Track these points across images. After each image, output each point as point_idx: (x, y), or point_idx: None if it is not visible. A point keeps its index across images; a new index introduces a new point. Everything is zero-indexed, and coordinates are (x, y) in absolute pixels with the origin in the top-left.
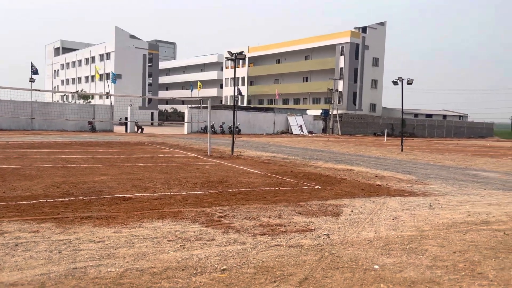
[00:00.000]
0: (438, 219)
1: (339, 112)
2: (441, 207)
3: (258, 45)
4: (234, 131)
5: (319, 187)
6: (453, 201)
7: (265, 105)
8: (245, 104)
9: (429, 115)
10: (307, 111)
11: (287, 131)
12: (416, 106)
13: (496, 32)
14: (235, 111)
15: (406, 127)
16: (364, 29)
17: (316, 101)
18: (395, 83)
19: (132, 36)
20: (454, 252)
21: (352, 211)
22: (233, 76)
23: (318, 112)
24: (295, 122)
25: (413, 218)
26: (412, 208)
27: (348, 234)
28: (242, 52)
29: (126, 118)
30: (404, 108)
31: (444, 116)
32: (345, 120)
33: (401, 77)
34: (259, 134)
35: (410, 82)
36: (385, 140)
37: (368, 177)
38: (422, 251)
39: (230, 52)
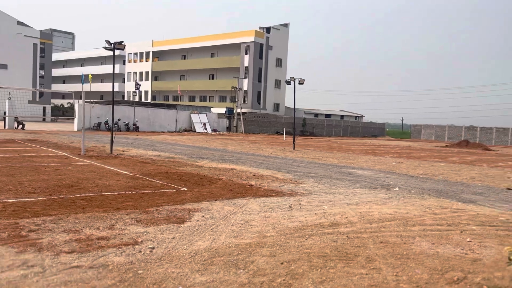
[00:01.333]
0: (289, 222)
1: (244, 110)
2: (300, 208)
3: (163, 39)
4: (113, 127)
5: (186, 189)
6: (315, 201)
7: (171, 102)
8: (149, 100)
9: (328, 115)
10: (212, 109)
11: (190, 129)
12: (317, 106)
13: (390, 36)
14: (113, 106)
15: (306, 127)
16: (268, 30)
17: (222, 99)
18: (287, 82)
19: (20, 23)
20: (282, 263)
21: (203, 216)
22: (136, 71)
23: (223, 110)
24: (198, 120)
25: (264, 221)
26: (271, 210)
27: (178, 246)
28: (122, 42)
29: (5, 113)
30: (305, 108)
31: (342, 116)
32: (249, 118)
33: (293, 77)
34: (159, 132)
35: (301, 82)
36: (284, 138)
37: (245, 177)
38: (247, 264)
39: (108, 42)
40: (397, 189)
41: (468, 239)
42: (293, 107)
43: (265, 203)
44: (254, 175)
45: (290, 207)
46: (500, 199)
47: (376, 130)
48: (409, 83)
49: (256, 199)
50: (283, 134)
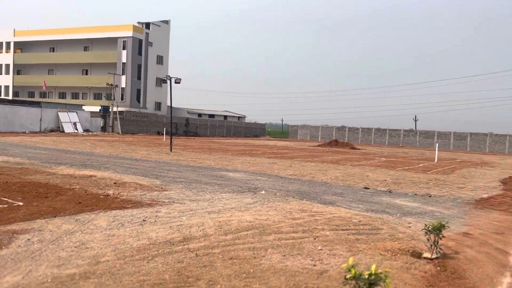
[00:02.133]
0: (135, 241)
1: (121, 109)
2: (155, 221)
3: (27, 29)
4: None
5: (21, 203)
6: (175, 211)
7: (36, 99)
8: (10, 97)
9: (212, 115)
10: (84, 107)
11: (58, 129)
12: (201, 106)
13: (272, 37)
14: None
15: (189, 127)
16: (147, 25)
17: (98, 96)
18: (163, 81)
19: None
20: None
21: (29, 239)
22: None
23: (98, 108)
24: (67, 119)
25: (106, 242)
26: (120, 225)
27: None
28: None
29: None
30: (188, 108)
31: (225, 117)
32: (127, 118)
33: (169, 75)
34: (20, 132)
35: (178, 81)
36: (164, 139)
37: (104, 185)
38: None
39: None
40: (263, 192)
41: (319, 247)
42: (176, 106)
43: (116, 217)
44: (115, 183)
45: (143, 220)
46: (357, 199)
47: (257, 130)
48: (290, 85)
49: (107, 212)
50: (163, 134)
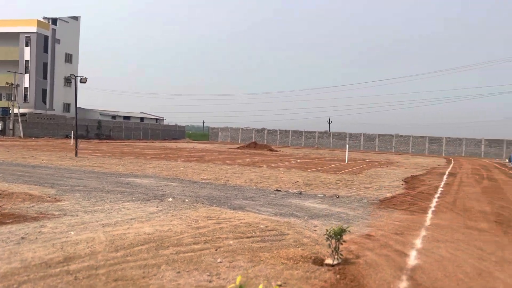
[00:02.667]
0: (4, 264)
1: (24, 111)
2: (37, 238)
3: None
4: None
5: None
6: (64, 225)
7: None
8: None
9: (127, 117)
10: None
11: None
12: (115, 108)
13: (191, 38)
14: None
15: (102, 129)
16: (54, 21)
17: (6, 97)
18: (67, 79)
19: None
20: None
21: None
22: None
23: None
24: None
25: None
26: None
27: None
28: None
29: None
30: (101, 109)
31: (142, 119)
32: (30, 120)
33: (73, 74)
34: None
35: (83, 81)
36: (71, 143)
37: None
38: None
39: None
40: (171, 199)
41: (219, 260)
42: (88, 108)
43: None
44: (0, 194)
45: (22, 238)
46: (267, 203)
47: (176, 133)
48: (213, 86)
49: None
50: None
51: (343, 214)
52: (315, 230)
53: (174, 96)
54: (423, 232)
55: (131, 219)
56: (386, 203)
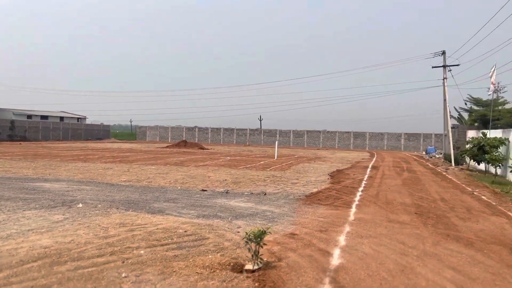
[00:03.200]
0: None
1: None
2: None
3: None
4: None
5: None
6: None
7: None
8: None
9: (45, 117)
10: None
11: None
12: (31, 106)
13: (112, 34)
14: None
15: (15, 130)
16: None
17: None
18: None
19: None
20: None
21: None
22: None
23: None
24: None
25: None
26: None
27: None
28: None
29: None
30: (15, 109)
31: (62, 118)
32: None
33: None
34: None
35: None
36: None
37: None
38: None
39: None
40: (81, 205)
41: (124, 274)
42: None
43: None
44: None
45: None
46: (190, 204)
47: (101, 133)
48: (142, 84)
49: None
50: None
51: (268, 212)
52: (238, 232)
53: (98, 93)
54: (347, 228)
55: (28, 230)
56: (311, 198)
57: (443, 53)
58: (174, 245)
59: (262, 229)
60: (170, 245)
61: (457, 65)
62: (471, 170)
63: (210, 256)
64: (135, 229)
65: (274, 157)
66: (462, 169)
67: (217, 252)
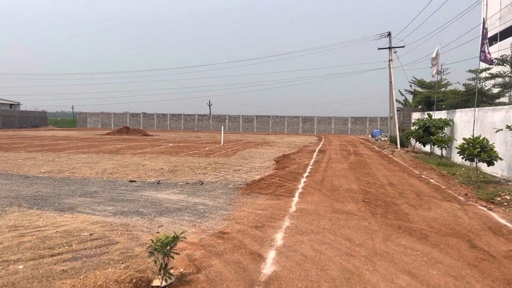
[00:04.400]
0: None
1: None
2: None
3: None
4: None
5: None
6: None
7: None
8: None
9: None
10: None
11: None
12: None
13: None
14: None
15: None
16: None
17: None
18: None
19: None
20: None
21: None
22: None
23: None
24: None
25: None
26: None
27: None
28: None
29: None
30: None
31: None
32: None
33: None
34: None
35: None
36: None
37: None
38: None
39: None
40: None
41: None
42: None
43: None
44: None
45: None
46: (110, 199)
47: (37, 120)
48: (83, 68)
49: None
50: None
51: (200, 205)
52: (158, 233)
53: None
54: (287, 222)
55: None
56: (252, 187)
57: (389, 34)
58: (69, 254)
59: (169, 236)
60: (63, 255)
61: (402, 46)
62: (416, 152)
63: (109, 270)
64: (27, 233)
65: (221, 143)
66: (407, 151)
67: (122, 263)
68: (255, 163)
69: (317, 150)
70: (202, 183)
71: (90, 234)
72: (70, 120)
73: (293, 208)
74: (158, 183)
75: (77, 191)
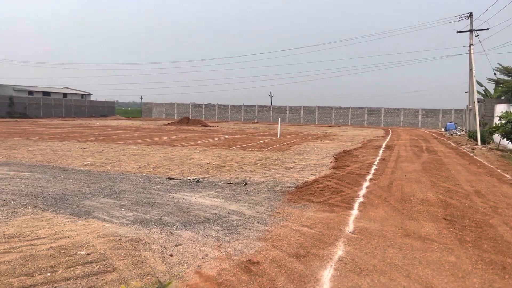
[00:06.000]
0: None
1: None
2: None
3: None
4: None
5: None
6: None
7: None
8: None
9: (47, 93)
10: None
11: None
12: (33, 82)
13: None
14: None
15: (15, 107)
16: None
17: None
18: None
19: None
20: None
21: None
22: None
23: None
24: None
25: None
26: None
27: None
28: None
29: None
30: (16, 85)
31: (65, 95)
32: None
33: None
34: None
35: None
36: None
37: None
38: None
39: None
40: None
41: None
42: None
43: None
44: None
45: None
46: (136, 201)
47: (105, 109)
48: (151, 58)
49: None
50: None
51: (235, 215)
52: (171, 256)
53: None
54: (340, 250)
55: None
56: (302, 191)
57: (470, 15)
58: (49, 286)
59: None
60: (48, 284)
61: (486, 29)
62: (502, 150)
63: None
64: (14, 249)
65: (277, 136)
66: (491, 149)
67: None
68: (310, 159)
69: (383, 146)
70: (246, 183)
71: (87, 254)
72: (138, 110)
73: (350, 227)
74: (197, 181)
75: (106, 189)
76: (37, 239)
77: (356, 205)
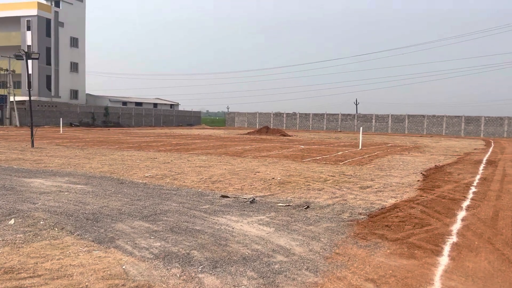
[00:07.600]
0: None
1: (24, 98)
2: None
3: None
4: None
5: None
6: None
7: None
8: None
9: (139, 103)
10: None
11: None
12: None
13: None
14: None
15: (109, 116)
16: (57, 3)
17: (1, 85)
18: (18, 57)
19: None
20: None
21: None
22: None
23: None
24: None
25: None
26: None
27: None
28: None
29: None
30: (111, 96)
31: (156, 105)
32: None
33: (23, 50)
34: None
35: (34, 57)
36: (61, 131)
37: None
38: None
39: None
40: (12, 222)
41: None
42: (95, 94)
43: None
44: None
45: None
46: (173, 226)
47: (192, 119)
48: (240, 67)
49: None
50: (79, 125)
51: (281, 254)
52: None
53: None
54: None
55: None
56: (376, 222)
57: None
58: None
59: None
60: None
61: None
62: None
63: None
64: (26, 286)
65: (359, 147)
66: None
67: None
68: (393, 177)
69: (484, 161)
70: (308, 206)
71: None
72: (223, 120)
73: (436, 287)
74: (251, 201)
75: (147, 209)
76: (32, 277)
77: (446, 248)
